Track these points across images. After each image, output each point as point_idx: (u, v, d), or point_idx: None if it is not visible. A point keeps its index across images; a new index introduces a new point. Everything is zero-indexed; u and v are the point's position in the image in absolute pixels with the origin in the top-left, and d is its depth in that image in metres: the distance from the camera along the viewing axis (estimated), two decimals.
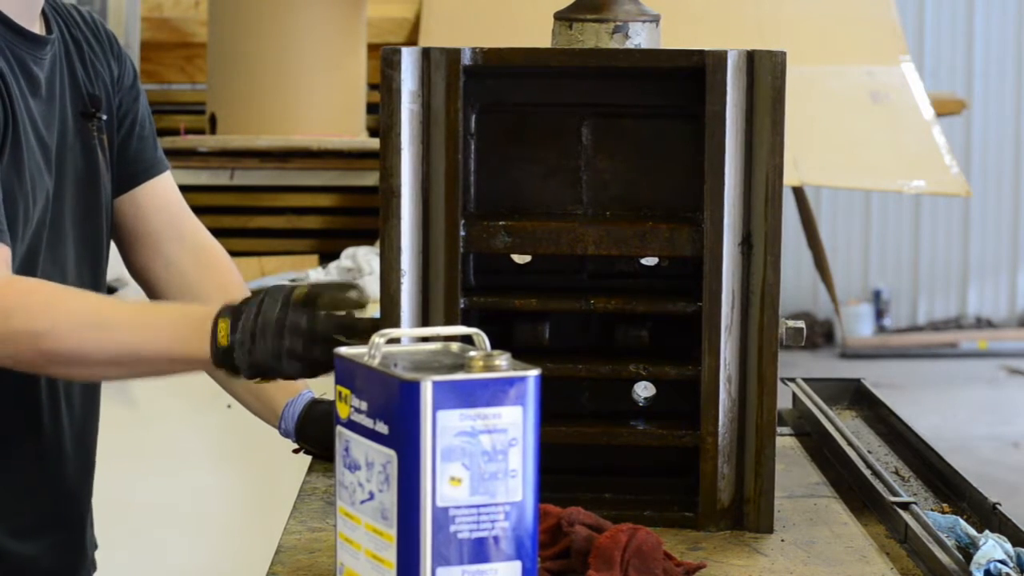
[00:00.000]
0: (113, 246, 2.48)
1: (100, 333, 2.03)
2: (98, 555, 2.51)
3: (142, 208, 2.45)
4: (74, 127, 2.30)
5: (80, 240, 2.32)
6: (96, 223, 2.35)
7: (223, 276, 2.47)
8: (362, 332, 1.92)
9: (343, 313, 1.97)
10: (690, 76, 2.13)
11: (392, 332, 1.71)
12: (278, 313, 1.97)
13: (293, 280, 4.48)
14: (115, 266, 2.53)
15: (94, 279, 2.36)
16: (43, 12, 2.30)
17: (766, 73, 2.10)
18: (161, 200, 2.47)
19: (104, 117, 2.36)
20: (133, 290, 4.04)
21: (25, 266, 2.20)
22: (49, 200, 2.24)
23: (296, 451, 2.39)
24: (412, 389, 1.62)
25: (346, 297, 1.99)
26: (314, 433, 2.33)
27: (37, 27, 2.28)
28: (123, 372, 2.09)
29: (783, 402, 2.34)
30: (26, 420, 2.28)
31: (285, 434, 2.37)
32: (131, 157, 2.43)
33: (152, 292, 2.48)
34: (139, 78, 2.48)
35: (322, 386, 2.21)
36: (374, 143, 4.87)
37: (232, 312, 1.99)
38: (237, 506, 4.16)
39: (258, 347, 1.96)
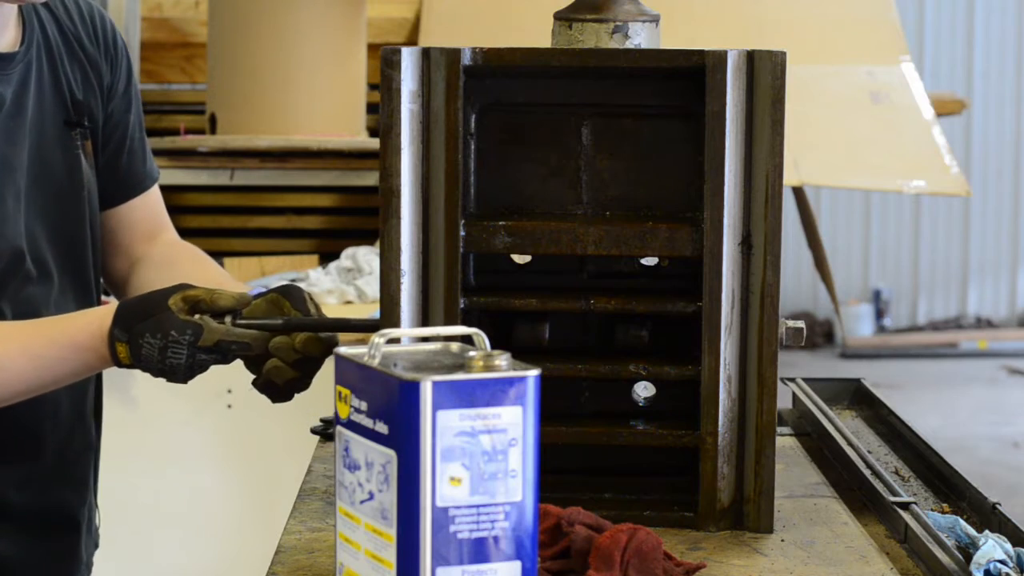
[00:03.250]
0: None
1: (4, 376, 2.09)
2: (98, 555, 2.50)
3: (123, 223, 2.44)
4: (54, 137, 2.25)
5: (62, 254, 2.28)
6: (79, 233, 2.31)
7: (191, 264, 2.42)
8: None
9: (250, 348, 2.08)
10: (690, 76, 2.13)
11: (392, 332, 1.71)
12: (185, 360, 2.05)
13: (292, 280, 4.47)
14: None
15: (81, 289, 2.32)
16: (22, 15, 2.24)
17: (766, 73, 2.10)
18: (142, 213, 2.45)
19: (88, 125, 2.31)
20: None
21: (1, 287, 2.19)
22: (20, 222, 2.20)
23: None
24: (412, 389, 1.62)
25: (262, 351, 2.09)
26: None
27: (5, 41, 2.22)
28: (49, 393, 2.20)
29: (783, 402, 2.34)
30: (12, 435, 2.26)
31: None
32: (121, 175, 2.40)
33: (121, 295, 2.47)
34: (132, 83, 2.42)
35: (321, 384, 2.20)
36: (374, 143, 4.87)
37: (128, 336, 2.05)
38: (237, 506, 4.16)
39: (167, 377, 2.08)
